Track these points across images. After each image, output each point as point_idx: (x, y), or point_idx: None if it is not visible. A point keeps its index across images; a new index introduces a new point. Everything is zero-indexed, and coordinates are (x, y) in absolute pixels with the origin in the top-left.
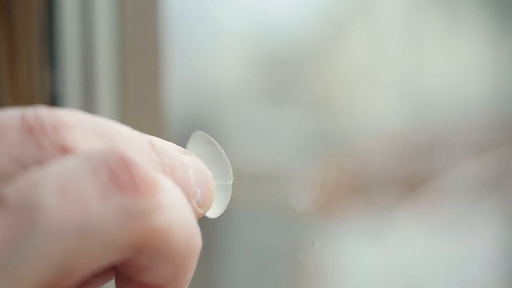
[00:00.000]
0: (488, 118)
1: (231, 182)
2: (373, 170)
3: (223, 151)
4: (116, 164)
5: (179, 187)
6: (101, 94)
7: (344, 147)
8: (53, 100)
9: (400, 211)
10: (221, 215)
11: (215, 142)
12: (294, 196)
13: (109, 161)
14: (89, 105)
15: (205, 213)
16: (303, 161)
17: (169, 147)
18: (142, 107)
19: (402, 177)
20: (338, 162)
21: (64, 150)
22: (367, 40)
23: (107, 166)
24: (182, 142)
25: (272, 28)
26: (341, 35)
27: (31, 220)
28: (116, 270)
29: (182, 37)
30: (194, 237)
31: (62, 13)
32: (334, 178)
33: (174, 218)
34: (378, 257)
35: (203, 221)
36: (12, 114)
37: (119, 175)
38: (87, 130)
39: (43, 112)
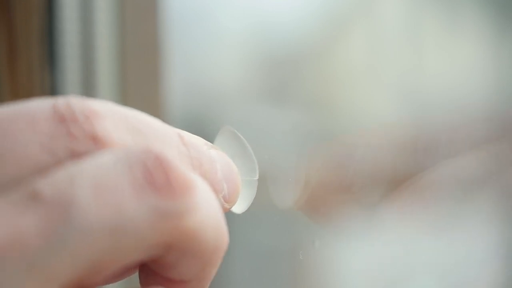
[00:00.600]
0: (487, 117)
1: (257, 178)
2: (361, 167)
3: (249, 147)
4: (152, 164)
5: (207, 181)
6: (101, 94)
7: (328, 143)
8: None
9: (390, 209)
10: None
11: (242, 137)
12: (279, 195)
13: (145, 160)
14: None
15: (231, 208)
16: (303, 160)
17: (197, 141)
18: (142, 107)
19: (394, 175)
20: (323, 159)
21: (95, 140)
22: (367, 40)
23: (143, 166)
24: None
25: (272, 28)
26: (341, 35)
27: (66, 217)
28: (141, 263)
29: (182, 37)
30: (222, 234)
31: (62, 13)
32: (319, 175)
33: (205, 218)
34: (372, 256)
35: None
36: (43, 104)
37: (155, 175)
38: (118, 121)
39: (74, 102)
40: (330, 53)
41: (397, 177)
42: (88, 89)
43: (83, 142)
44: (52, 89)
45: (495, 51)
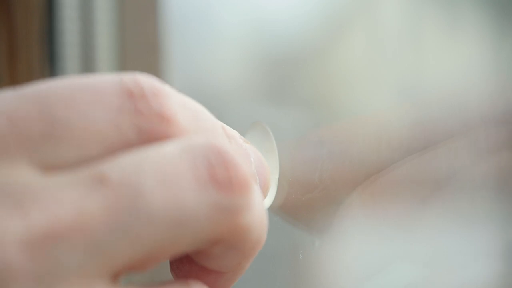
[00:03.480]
0: (487, 117)
1: (277, 176)
2: (329, 163)
3: (275, 145)
4: (215, 159)
5: None
6: None
7: (296, 140)
8: None
9: (360, 204)
10: None
11: (271, 134)
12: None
13: (209, 154)
14: None
15: None
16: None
17: (235, 133)
18: None
19: (367, 170)
20: (291, 157)
21: (162, 118)
22: (367, 40)
23: (207, 160)
24: None
25: (272, 27)
26: (341, 34)
27: (131, 205)
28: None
29: (182, 37)
30: (264, 232)
31: (62, 13)
32: (288, 174)
33: (256, 216)
34: (349, 251)
35: None
36: (109, 78)
37: (217, 170)
38: (180, 102)
39: (142, 78)
40: (330, 52)
41: (370, 172)
42: None
43: (150, 120)
44: None
45: (495, 51)
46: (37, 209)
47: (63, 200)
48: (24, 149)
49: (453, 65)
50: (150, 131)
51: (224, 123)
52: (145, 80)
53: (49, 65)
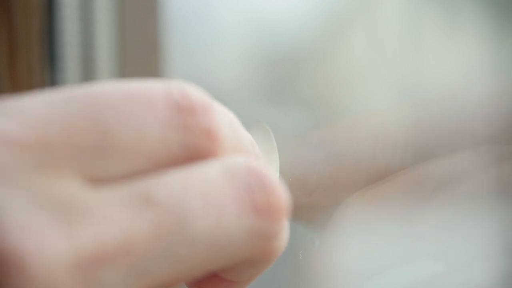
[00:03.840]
0: (487, 117)
1: (278, 176)
2: (326, 166)
3: (276, 145)
4: (255, 184)
5: None
6: None
7: (294, 139)
8: None
9: (362, 203)
10: None
11: (272, 135)
12: None
13: (249, 178)
14: None
15: None
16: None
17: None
18: None
19: (370, 172)
20: (289, 158)
21: (209, 135)
22: (367, 40)
23: (248, 184)
24: None
25: (272, 27)
26: (341, 34)
27: (177, 228)
28: None
29: (182, 37)
30: (284, 246)
31: (62, 13)
32: (287, 175)
33: (284, 237)
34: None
35: None
36: (159, 88)
37: (257, 196)
38: (223, 118)
39: (191, 91)
40: (330, 52)
41: (371, 173)
42: None
43: (197, 136)
44: (52, 89)
45: (495, 51)
46: (85, 228)
47: (110, 220)
48: (75, 161)
49: (453, 65)
50: (195, 147)
51: None
52: (194, 93)
53: (49, 65)
